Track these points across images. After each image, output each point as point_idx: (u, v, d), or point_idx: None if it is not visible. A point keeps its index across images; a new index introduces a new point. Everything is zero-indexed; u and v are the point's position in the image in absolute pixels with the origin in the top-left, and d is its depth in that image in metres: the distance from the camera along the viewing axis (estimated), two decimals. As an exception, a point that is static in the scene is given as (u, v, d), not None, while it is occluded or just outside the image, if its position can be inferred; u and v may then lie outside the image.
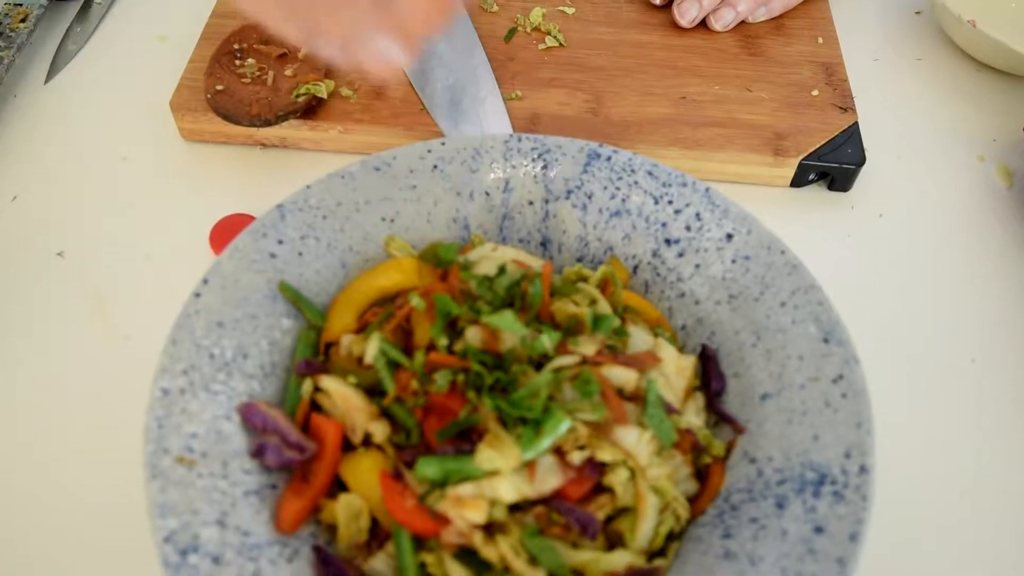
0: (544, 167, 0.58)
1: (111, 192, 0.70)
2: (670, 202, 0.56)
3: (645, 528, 0.45)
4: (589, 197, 0.58)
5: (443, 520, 0.44)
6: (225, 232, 0.66)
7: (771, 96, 0.75)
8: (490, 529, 0.44)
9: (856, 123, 0.72)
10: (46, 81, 0.79)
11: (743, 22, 0.80)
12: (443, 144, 0.58)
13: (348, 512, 0.46)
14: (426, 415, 0.46)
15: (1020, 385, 0.61)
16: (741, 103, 0.74)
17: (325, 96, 0.71)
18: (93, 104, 0.77)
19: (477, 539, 0.43)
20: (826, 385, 0.48)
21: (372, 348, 0.48)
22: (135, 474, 0.49)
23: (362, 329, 0.52)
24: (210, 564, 0.41)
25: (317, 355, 0.52)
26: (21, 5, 0.80)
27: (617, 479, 0.45)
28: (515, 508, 0.45)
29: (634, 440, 0.45)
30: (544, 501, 0.45)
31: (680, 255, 0.56)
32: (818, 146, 0.71)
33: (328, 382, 0.49)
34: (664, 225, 0.56)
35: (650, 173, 0.57)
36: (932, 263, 0.68)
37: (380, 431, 0.47)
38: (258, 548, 0.43)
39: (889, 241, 0.70)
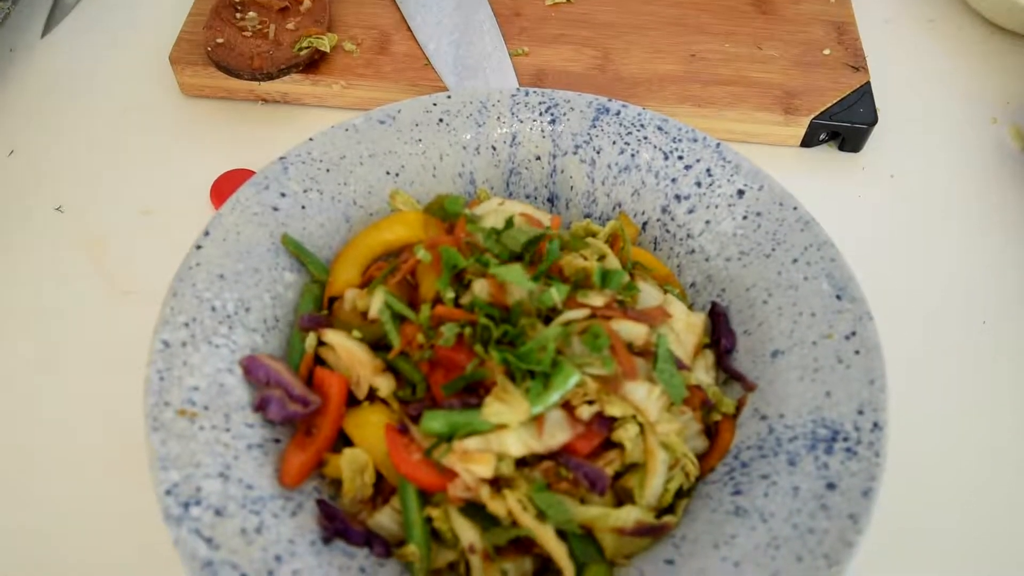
0: (552, 121, 0.57)
1: (110, 147, 0.69)
2: (680, 158, 0.55)
3: (654, 484, 0.45)
4: (598, 152, 0.56)
5: (449, 474, 0.43)
6: (225, 187, 0.64)
7: (782, 54, 0.73)
8: (497, 484, 0.43)
9: (868, 82, 0.71)
10: (43, 35, 0.77)
11: (754, -21, 0.79)
12: (449, 97, 0.57)
13: (353, 466, 0.45)
14: (432, 369, 0.46)
15: (1032, 347, 0.61)
16: (751, 61, 0.72)
17: (328, 50, 0.69)
18: (91, 58, 0.75)
19: (484, 493, 0.43)
20: (839, 342, 0.47)
21: (377, 302, 0.47)
22: (137, 427, 0.49)
23: (366, 284, 0.51)
24: (212, 516, 0.41)
25: (321, 310, 0.51)
26: (16, -43, 0.78)
27: (626, 435, 0.44)
28: (522, 463, 0.44)
29: (644, 395, 0.44)
30: (552, 456, 0.44)
31: (690, 211, 0.55)
32: (829, 105, 0.69)
33: (332, 336, 0.48)
34: (674, 181, 0.55)
35: (660, 128, 0.56)
36: (943, 224, 0.67)
37: (385, 385, 0.46)
38: (261, 501, 0.43)
39: (900, 202, 0.69)
